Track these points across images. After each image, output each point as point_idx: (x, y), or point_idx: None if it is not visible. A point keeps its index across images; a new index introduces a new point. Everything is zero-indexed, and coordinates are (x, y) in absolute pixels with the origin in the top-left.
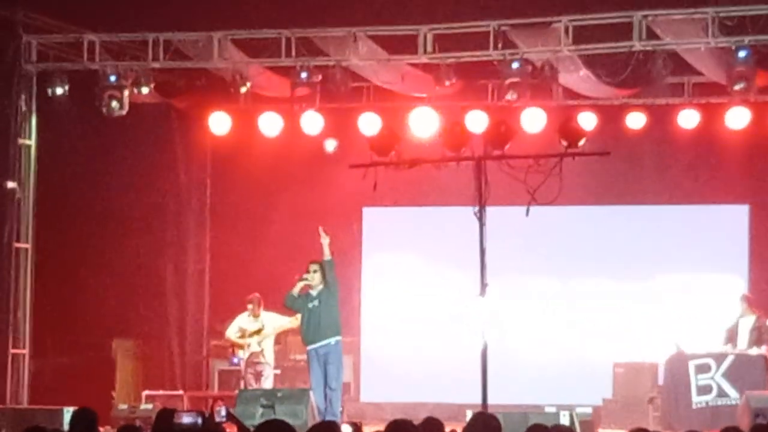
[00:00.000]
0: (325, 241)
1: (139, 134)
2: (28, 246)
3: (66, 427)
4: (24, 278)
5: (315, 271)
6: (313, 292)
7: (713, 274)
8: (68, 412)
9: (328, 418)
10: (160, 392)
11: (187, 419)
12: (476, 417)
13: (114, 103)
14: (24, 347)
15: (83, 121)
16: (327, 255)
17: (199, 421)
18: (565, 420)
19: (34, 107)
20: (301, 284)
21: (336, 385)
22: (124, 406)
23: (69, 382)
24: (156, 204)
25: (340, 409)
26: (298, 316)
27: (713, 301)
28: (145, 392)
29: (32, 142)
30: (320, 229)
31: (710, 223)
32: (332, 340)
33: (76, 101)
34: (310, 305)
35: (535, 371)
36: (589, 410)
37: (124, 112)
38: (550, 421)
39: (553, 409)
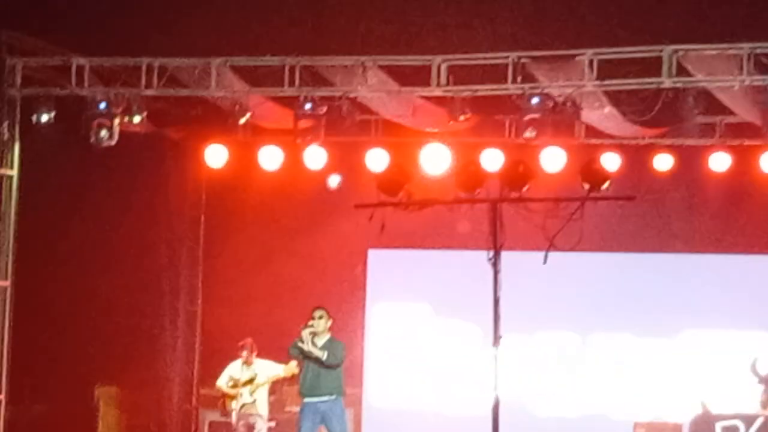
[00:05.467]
0: None
1: (130, 166)
2: (8, 284)
3: None
4: (2, 317)
5: (321, 317)
6: (318, 342)
7: (745, 329)
8: None
9: None
10: None
11: None
12: None
13: (103, 133)
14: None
15: (69, 151)
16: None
17: None
18: None
19: (17, 135)
20: (306, 332)
21: None
22: None
23: (48, 431)
24: (146, 241)
25: None
26: (293, 363)
27: (743, 358)
28: None
29: (14, 172)
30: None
31: (743, 274)
32: (334, 397)
33: (63, 129)
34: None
35: (550, 431)
36: None
37: (113, 142)
38: None
39: None
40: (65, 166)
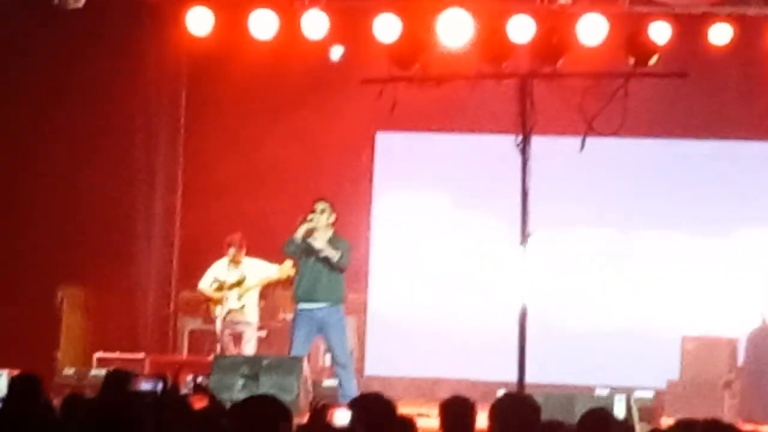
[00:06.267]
0: None
1: (99, 34)
2: None
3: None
4: None
5: (322, 211)
6: (319, 240)
7: None
8: (1, 377)
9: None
10: (116, 355)
11: (145, 386)
12: (506, 399)
13: None
14: None
15: (29, 15)
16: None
17: (159, 387)
18: (620, 405)
19: None
20: (305, 227)
21: (344, 360)
22: (70, 371)
23: (2, 339)
24: (118, 121)
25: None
26: (289, 263)
27: None
28: (97, 354)
29: None
30: None
31: None
32: (333, 304)
33: None
34: (312, 257)
35: (585, 344)
36: (650, 394)
37: (80, 4)
38: (601, 406)
39: (605, 392)
40: (24, 32)
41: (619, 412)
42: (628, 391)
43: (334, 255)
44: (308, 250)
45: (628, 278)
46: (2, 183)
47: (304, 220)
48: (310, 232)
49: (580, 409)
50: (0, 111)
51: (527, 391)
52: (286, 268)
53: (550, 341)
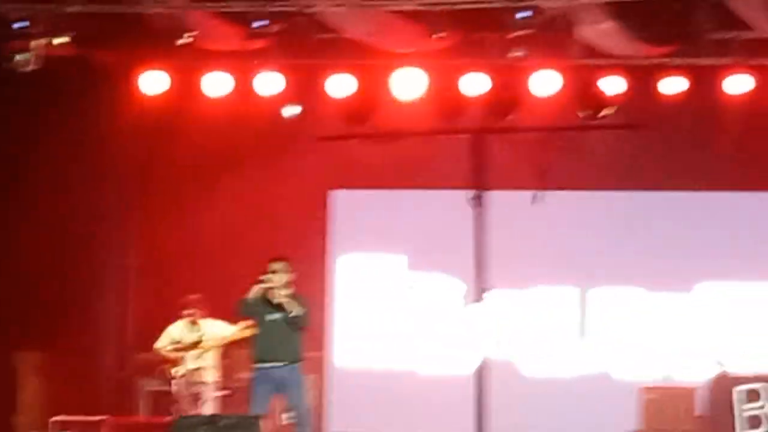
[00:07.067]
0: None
1: (51, 96)
2: None
3: None
4: None
5: (274, 272)
6: (275, 300)
7: None
8: None
9: None
10: (74, 418)
11: None
12: None
13: (20, 56)
14: None
15: None
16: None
17: None
18: None
19: None
20: (259, 288)
21: (303, 419)
22: None
23: None
24: (69, 184)
25: None
26: (243, 324)
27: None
28: (55, 418)
29: None
30: None
31: (765, 215)
32: (291, 362)
33: None
34: (269, 317)
35: (543, 397)
36: None
37: (29, 68)
38: None
39: None
40: None
41: None
42: None
43: (298, 311)
44: (266, 310)
45: (584, 331)
46: None
47: (258, 281)
48: (271, 293)
49: None
50: None
51: None
52: (244, 329)
53: (510, 395)
